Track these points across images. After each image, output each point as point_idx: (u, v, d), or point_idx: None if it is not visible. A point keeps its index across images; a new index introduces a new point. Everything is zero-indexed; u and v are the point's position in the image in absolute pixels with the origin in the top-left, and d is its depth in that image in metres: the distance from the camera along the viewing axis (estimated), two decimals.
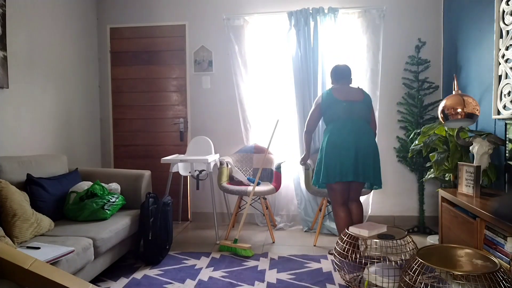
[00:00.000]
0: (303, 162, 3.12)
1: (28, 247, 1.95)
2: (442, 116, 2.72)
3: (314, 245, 3.16)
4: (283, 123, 3.69)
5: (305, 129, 2.95)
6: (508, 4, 2.47)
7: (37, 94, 3.07)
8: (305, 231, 3.53)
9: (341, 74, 2.83)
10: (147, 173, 3.03)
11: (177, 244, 3.19)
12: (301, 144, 3.61)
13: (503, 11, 2.51)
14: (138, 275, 2.56)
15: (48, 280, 1.57)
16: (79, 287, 1.64)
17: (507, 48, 2.49)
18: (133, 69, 4.03)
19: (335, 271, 2.58)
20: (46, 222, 2.31)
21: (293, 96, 3.64)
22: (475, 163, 2.47)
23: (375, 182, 2.70)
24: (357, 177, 2.64)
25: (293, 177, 3.67)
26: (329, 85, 3.61)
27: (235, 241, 3.00)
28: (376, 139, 2.81)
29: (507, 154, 2.41)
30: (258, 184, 3.29)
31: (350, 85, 2.85)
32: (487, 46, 2.75)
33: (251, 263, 2.76)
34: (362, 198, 3.64)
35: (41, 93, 3.12)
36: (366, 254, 2.36)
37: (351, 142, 2.61)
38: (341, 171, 2.62)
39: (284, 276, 2.52)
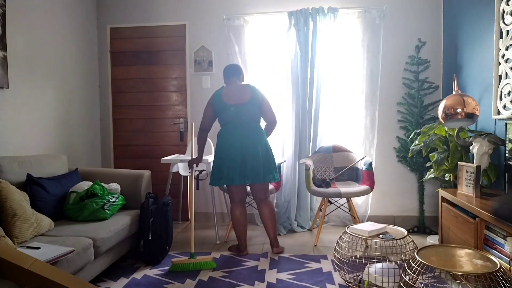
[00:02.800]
0: (191, 164, 2.90)
1: (28, 247, 1.95)
2: (442, 116, 2.72)
3: (315, 245, 3.16)
4: (282, 123, 3.69)
5: (199, 129, 2.93)
6: (508, 4, 2.47)
7: (37, 94, 3.07)
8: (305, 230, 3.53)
9: (229, 72, 2.92)
10: (147, 173, 3.03)
11: (177, 244, 3.19)
12: (296, 144, 3.63)
13: (503, 11, 2.51)
14: (138, 275, 2.56)
15: (48, 280, 1.57)
16: (79, 287, 1.64)
17: (507, 48, 2.49)
18: (133, 69, 4.03)
19: (335, 271, 2.58)
20: (46, 222, 2.31)
21: (293, 96, 3.64)
22: (475, 163, 2.47)
23: (268, 179, 2.82)
24: (244, 180, 2.76)
25: (292, 176, 3.67)
26: (326, 85, 3.65)
27: (192, 255, 2.68)
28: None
29: (507, 154, 2.41)
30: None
31: (240, 83, 2.92)
32: (487, 46, 2.75)
33: (251, 263, 2.76)
34: (361, 198, 3.68)
35: (41, 93, 3.13)
36: (366, 254, 2.36)
37: (237, 146, 2.75)
38: (228, 174, 2.76)
39: (284, 276, 2.52)
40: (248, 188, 3.08)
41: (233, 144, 2.76)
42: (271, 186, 3.24)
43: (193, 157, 2.94)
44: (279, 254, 2.94)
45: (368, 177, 3.26)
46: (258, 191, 2.92)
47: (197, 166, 3.01)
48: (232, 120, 2.80)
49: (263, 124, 2.96)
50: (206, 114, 2.91)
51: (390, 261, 2.33)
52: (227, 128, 2.82)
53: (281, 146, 3.73)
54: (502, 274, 1.62)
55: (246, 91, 2.85)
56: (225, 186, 3.25)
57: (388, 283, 2.10)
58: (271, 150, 2.88)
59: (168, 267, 2.67)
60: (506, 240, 1.85)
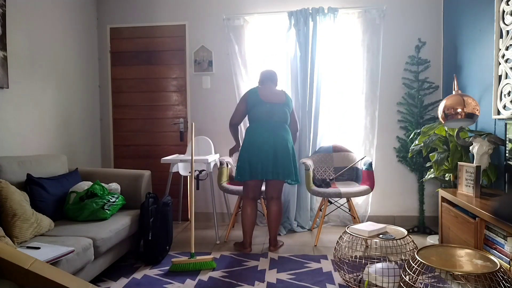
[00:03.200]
0: (232, 152, 3.22)
1: (28, 247, 1.95)
2: (442, 116, 2.72)
3: (315, 245, 3.16)
4: None
5: (229, 123, 3.06)
6: (508, 4, 2.47)
7: (37, 94, 3.07)
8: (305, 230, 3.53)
9: (267, 76, 3.04)
10: (147, 173, 3.03)
11: (177, 244, 3.19)
12: (296, 144, 3.62)
13: (503, 11, 2.51)
14: (138, 275, 2.56)
15: (48, 280, 1.57)
16: (79, 287, 1.64)
17: (507, 48, 2.49)
18: (133, 69, 4.03)
19: (335, 271, 2.58)
20: (46, 222, 2.31)
21: (293, 96, 3.64)
22: (475, 163, 2.47)
23: (291, 178, 2.90)
24: (277, 176, 2.85)
25: None
26: (326, 85, 3.65)
27: (192, 255, 2.68)
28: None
29: (507, 154, 2.41)
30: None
31: (275, 88, 3.05)
32: (487, 46, 2.75)
33: (251, 263, 2.76)
34: (361, 198, 3.68)
35: (41, 93, 3.13)
36: (366, 254, 2.36)
37: (271, 142, 2.83)
38: (262, 169, 2.82)
39: (284, 276, 2.52)
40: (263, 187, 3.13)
41: (267, 140, 2.83)
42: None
43: (232, 147, 3.18)
44: (277, 250, 3.00)
45: (368, 177, 3.26)
46: (274, 188, 2.96)
47: (237, 152, 3.15)
48: (265, 117, 2.88)
49: None
50: (239, 108, 3.00)
51: (390, 261, 2.33)
52: (259, 124, 2.89)
53: None
54: (502, 274, 1.62)
55: (282, 94, 2.99)
56: (226, 186, 3.25)
57: (388, 283, 2.10)
58: (294, 152, 2.96)
59: (168, 267, 2.67)
60: (506, 240, 1.85)
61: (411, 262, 1.81)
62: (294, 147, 3.01)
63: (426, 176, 3.17)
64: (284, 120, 2.94)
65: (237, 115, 3.01)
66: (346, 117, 3.75)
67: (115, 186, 2.84)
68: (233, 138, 3.13)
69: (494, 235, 1.96)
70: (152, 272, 2.60)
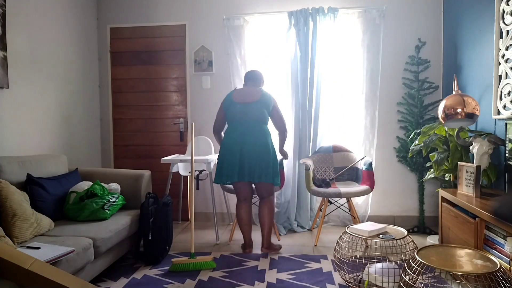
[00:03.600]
0: None
1: (28, 247, 1.95)
2: (442, 116, 2.72)
3: (315, 245, 3.16)
4: None
5: (213, 130, 3.08)
6: (508, 4, 2.47)
7: (37, 94, 3.07)
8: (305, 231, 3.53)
9: (248, 77, 3.01)
10: (147, 173, 3.03)
11: (177, 244, 3.19)
12: (296, 144, 3.65)
13: (503, 11, 2.51)
14: (138, 275, 2.56)
15: (48, 280, 1.57)
16: (79, 287, 1.64)
17: (507, 48, 2.49)
18: (133, 69, 4.03)
19: (335, 271, 2.58)
20: (46, 222, 2.31)
21: (293, 96, 3.64)
22: (475, 163, 2.47)
23: (266, 180, 2.80)
24: (243, 178, 2.80)
25: (292, 176, 3.67)
26: (326, 86, 3.65)
27: (192, 255, 2.68)
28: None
29: (507, 154, 2.41)
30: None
31: (256, 87, 2.97)
32: (487, 46, 2.75)
33: (251, 263, 2.76)
34: (361, 198, 3.67)
35: (41, 93, 3.12)
36: (366, 254, 2.36)
37: (238, 143, 2.79)
38: (228, 171, 2.80)
39: (284, 276, 2.52)
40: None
41: (235, 141, 2.80)
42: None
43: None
44: (271, 252, 2.96)
45: (368, 177, 3.26)
46: (260, 189, 2.94)
47: None
48: (238, 118, 2.85)
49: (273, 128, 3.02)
50: (218, 114, 3.02)
51: (390, 261, 2.33)
52: (232, 125, 2.88)
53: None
54: (502, 274, 1.62)
55: (256, 92, 2.91)
56: (227, 185, 3.25)
57: (388, 283, 2.10)
58: (273, 153, 2.86)
59: (168, 267, 2.67)
60: (506, 240, 1.85)
61: (411, 262, 1.81)
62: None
63: (426, 176, 3.17)
64: (258, 119, 2.84)
65: (217, 121, 3.02)
66: (346, 117, 3.75)
67: (115, 186, 2.84)
68: (219, 144, 3.06)
69: (494, 235, 1.96)
70: (152, 272, 2.60)
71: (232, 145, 2.80)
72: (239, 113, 2.85)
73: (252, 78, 3.01)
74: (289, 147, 3.68)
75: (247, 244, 2.98)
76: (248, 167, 2.79)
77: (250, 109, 2.84)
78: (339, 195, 3.08)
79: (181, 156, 3.57)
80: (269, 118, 2.95)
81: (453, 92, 2.78)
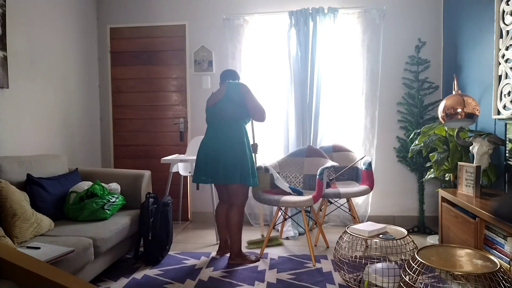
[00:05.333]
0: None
1: (28, 247, 1.95)
2: (442, 116, 2.72)
3: (315, 245, 3.16)
4: (282, 123, 3.70)
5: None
6: (508, 4, 2.47)
7: (37, 94, 3.07)
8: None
9: (221, 76, 2.92)
10: (147, 173, 3.03)
11: (177, 244, 3.19)
12: (296, 144, 3.64)
13: (503, 11, 2.51)
14: (138, 275, 2.56)
15: (48, 280, 1.57)
16: (79, 287, 1.64)
17: (507, 48, 2.49)
18: (133, 69, 4.03)
19: (335, 271, 2.58)
20: (46, 222, 2.31)
21: (293, 96, 3.64)
22: (475, 163, 2.47)
23: (231, 181, 2.63)
24: (208, 180, 2.69)
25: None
26: (326, 85, 3.64)
27: (263, 236, 3.26)
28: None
29: (507, 154, 2.41)
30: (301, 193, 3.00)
31: (224, 85, 2.77)
32: (487, 46, 2.75)
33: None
34: (361, 198, 3.67)
35: (41, 93, 3.12)
36: (366, 254, 2.36)
37: (204, 145, 2.72)
38: (196, 173, 2.74)
39: (284, 276, 2.52)
40: None
41: (204, 144, 2.73)
42: (306, 197, 2.79)
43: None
44: (238, 264, 2.73)
45: (367, 177, 3.26)
46: (227, 192, 2.77)
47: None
48: (209, 122, 2.79)
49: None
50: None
51: (390, 261, 2.33)
52: (206, 130, 2.80)
53: (282, 145, 3.73)
54: (502, 274, 1.62)
55: (222, 90, 2.74)
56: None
57: (388, 283, 2.10)
58: (242, 151, 2.65)
59: (168, 267, 2.67)
60: (506, 240, 1.85)
61: (411, 262, 1.81)
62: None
63: (426, 176, 3.16)
64: (224, 119, 2.68)
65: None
66: (346, 117, 3.75)
67: (115, 186, 2.84)
68: None
69: (494, 235, 1.96)
70: (152, 272, 2.60)
71: (201, 148, 2.72)
72: (210, 117, 2.78)
73: (224, 76, 2.89)
74: (289, 147, 3.68)
75: (220, 247, 2.96)
76: (212, 168, 2.64)
77: (217, 110, 2.71)
78: (338, 195, 3.08)
79: (181, 156, 3.57)
80: (244, 109, 2.70)
81: (453, 92, 2.78)
